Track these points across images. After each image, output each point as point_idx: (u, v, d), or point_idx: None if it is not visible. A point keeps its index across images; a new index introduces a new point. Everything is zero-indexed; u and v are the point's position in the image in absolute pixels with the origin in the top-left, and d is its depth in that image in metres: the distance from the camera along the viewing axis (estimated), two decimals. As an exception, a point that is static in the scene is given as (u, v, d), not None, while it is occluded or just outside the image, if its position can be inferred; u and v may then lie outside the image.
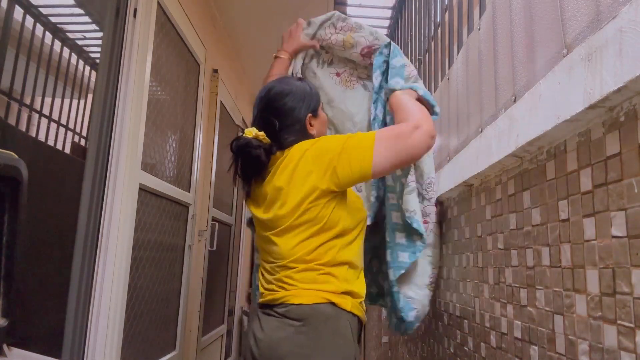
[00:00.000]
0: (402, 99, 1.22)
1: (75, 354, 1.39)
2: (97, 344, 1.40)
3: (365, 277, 1.21)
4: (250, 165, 1.12)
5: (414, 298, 1.39)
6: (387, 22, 3.12)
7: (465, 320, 1.34)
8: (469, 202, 1.34)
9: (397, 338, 2.30)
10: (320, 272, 1.06)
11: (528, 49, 0.99)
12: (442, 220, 1.60)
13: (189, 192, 2.23)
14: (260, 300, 1.13)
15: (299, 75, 1.51)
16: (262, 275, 1.16)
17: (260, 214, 1.15)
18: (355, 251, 1.14)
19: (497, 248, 1.12)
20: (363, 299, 1.13)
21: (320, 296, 1.04)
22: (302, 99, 1.17)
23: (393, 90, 1.28)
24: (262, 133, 1.11)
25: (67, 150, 2.72)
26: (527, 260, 0.96)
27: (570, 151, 0.81)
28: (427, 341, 1.76)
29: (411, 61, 2.42)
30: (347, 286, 1.08)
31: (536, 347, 0.91)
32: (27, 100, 2.55)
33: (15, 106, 2.40)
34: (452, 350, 1.45)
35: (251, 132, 1.11)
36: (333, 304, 1.04)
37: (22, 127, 2.50)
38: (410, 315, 1.38)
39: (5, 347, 0.80)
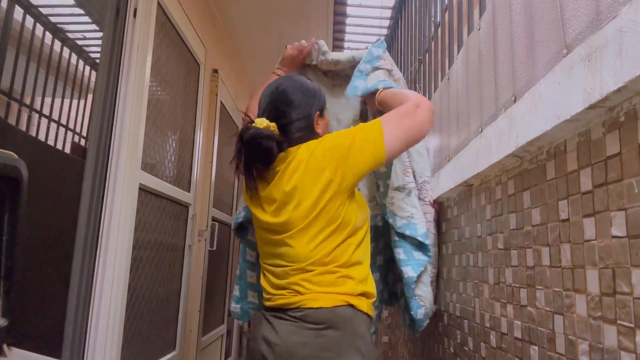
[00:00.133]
0: (390, 90, 1.24)
1: (75, 354, 1.39)
2: (97, 344, 1.40)
3: (377, 278, 1.21)
4: (259, 158, 1.08)
5: (422, 296, 1.41)
6: (387, 22, 3.12)
7: (465, 320, 1.34)
8: (469, 202, 1.34)
9: (397, 338, 2.30)
10: (338, 274, 1.04)
11: (528, 49, 0.99)
12: (441, 220, 1.60)
13: (189, 192, 2.23)
14: (268, 304, 1.11)
15: None
16: (268, 279, 1.13)
17: (267, 218, 1.11)
18: (366, 250, 1.14)
19: (497, 248, 1.12)
20: (375, 298, 1.13)
21: (339, 299, 1.03)
22: (313, 95, 1.17)
23: (376, 91, 1.27)
24: (273, 124, 1.08)
25: (67, 150, 2.72)
26: (527, 260, 0.96)
27: (570, 151, 0.81)
28: (427, 341, 1.76)
29: (411, 61, 2.42)
30: (363, 287, 1.07)
31: (536, 347, 0.91)
32: (27, 100, 2.55)
33: (15, 106, 2.41)
34: (452, 350, 1.45)
35: (262, 122, 1.07)
36: (351, 306, 1.04)
37: (22, 127, 2.51)
38: (420, 313, 1.40)
39: (5, 347, 0.80)
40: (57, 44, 2.79)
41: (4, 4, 2.07)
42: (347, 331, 1.01)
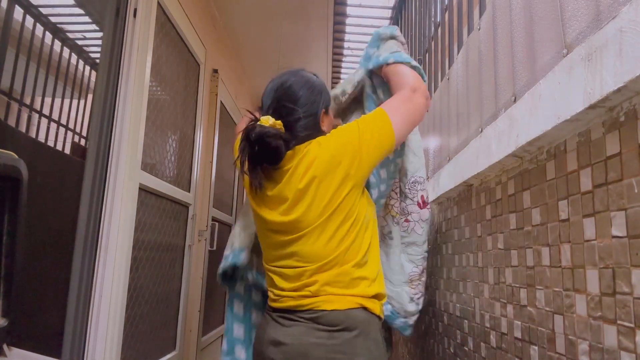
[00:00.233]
0: (392, 67, 1.24)
1: (75, 354, 1.39)
2: (97, 344, 1.40)
3: None
4: (267, 157, 1.04)
5: (390, 296, 1.38)
6: (387, 22, 3.12)
7: (465, 320, 1.34)
8: (469, 202, 1.34)
9: (397, 338, 2.30)
10: (352, 276, 1.02)
11: (528, 49, 0.99)
12: (441, 219, 1.60)
13: (189, 192, 2.23)
14: (275, 305, 1.08)
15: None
16: (275, 281, 1.09)
17: (275, 217, 1.07)
18: (377, 246, 1.13)
19: (497, 248, 1.12)
20: (385, 299, 1.12)
21: (353, 301, 1.01)
22: (319, 92, 1.14)
23: (384, 64, 1.25)
24: (279, 122, 1.03)
25: (67, 150, 2.72)
26: (527, 260, 0.96)
27: (570, 151, 0.81)
28: (427, 341, 1.76)
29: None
30: (376, 288, 1.06)
31: (536, 347, 0.91)
32: (27, 100, 2.55)
33: (15, 106, 2.41)
34: (452, 350, 1.45)
35: (267, 120, 1.02)
36: (365, 308, 1.02)
37: (22, 127, 2.51)
38: (386, 309, 1.37)
39: (5, 347, 0.80)
40: (57, 44, 2.79)
41: (4, 4, 2.07)
42: (361, 334, 1.00)
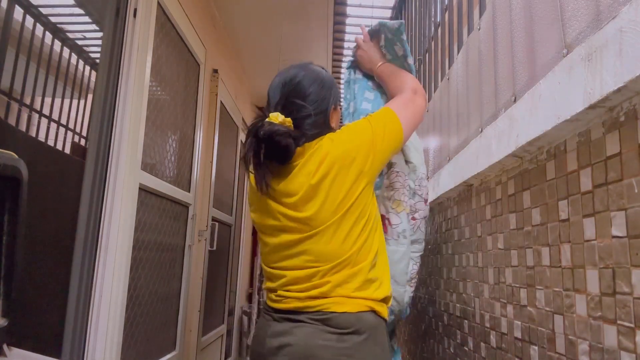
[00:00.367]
0: (388, 68, 1.26)
1: (75, 354, 1.39)
2: (97, 344, 1.40)
3: None
4: (277, 156, 1.00)
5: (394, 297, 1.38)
6: (387, 22, 3.12)
7: (465, 320, 1.34)
8: (469, 202, 1.34)
9: (397, 338, 2.30)
10: (364, 277, 1.01)
11: (528, 49, 0.99)
12: (441, 219, 1.60)
13: (189, 192, 2.23)
14: (277, 306, 1.04)
15: None
16: (277, 281, 1.06)
17: (284, 211, 1.03)
18: (384, 247, 1.12)
19: (497, 248, 1.12)
20: (390, 303, 1.10)
21: (364, 304, 1.00)
22: (330, 88, 1.10)
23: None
24: (289, 119, 0.99)
25: (67, 150, 2.72)
26: (527, 260, 0.96)
27: (570, 151, 0.81)
28: (427, 341, 1.76)
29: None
30: (385, 291, 1.05)
31: (536, 347, 0.91)
32: (27, 100, 2.55)
33: (15, 106, 2.41)
34: (452, 350, 1.45)
35: (277, 117, 0.98)
36: (374, 312, 1.01)
37: (22, 127, 2.51)
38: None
39: (5, 347, 0.80)
40: (57, 44, 2.79)
41: (4, 4, 2.07)
42: (369, 338, 0.98)
